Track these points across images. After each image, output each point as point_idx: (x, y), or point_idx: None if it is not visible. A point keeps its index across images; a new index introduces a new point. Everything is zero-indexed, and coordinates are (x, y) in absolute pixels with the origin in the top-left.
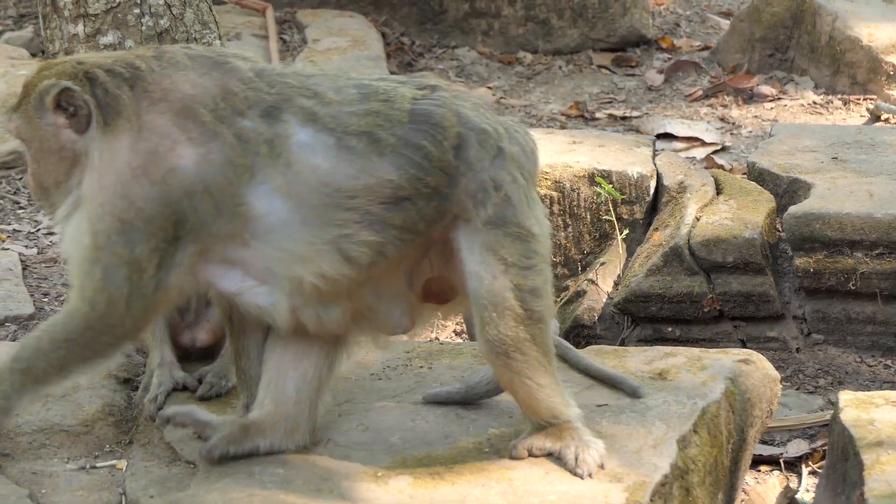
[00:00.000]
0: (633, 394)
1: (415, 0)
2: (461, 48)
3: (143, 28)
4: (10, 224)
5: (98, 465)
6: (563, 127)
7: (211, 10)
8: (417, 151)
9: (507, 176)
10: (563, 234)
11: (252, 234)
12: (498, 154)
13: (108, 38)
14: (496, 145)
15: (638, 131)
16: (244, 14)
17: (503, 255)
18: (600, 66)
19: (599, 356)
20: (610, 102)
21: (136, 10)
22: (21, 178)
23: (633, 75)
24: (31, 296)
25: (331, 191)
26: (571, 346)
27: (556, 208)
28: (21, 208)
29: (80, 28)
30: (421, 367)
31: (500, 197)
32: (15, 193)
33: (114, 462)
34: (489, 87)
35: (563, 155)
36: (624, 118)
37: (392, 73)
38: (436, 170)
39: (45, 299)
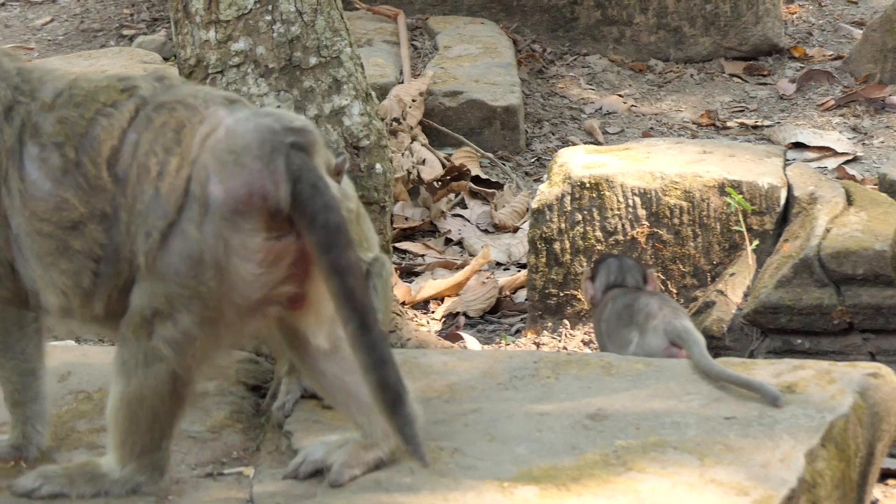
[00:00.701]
0: (774, 402)
1: (547, 7)
2: (592, 56)
3: (275, 35)
4: None
5: (225, 471)
6: (693, 136)
7: (342, 18)
8: (81, 168)
9: None
10: (692, 244)
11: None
12: None
13: (240, 45)
14: None
15: (769, 141)
16: (376, 20)
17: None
18: (732, 75)
19: (728, 367)
20: (741, 111)
21: (268, 17)
22: None
23: (764, 84)
24: None
25: (34, 210)
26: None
27: (685, 218)
28: None
29: (211, 34)
30: (548, 377)
31: None
32: None
33: (241, 469)
34: (620, 95)
35: (693, 165)
36: (755, 127)
37: (523, 80)
38: (94, 189)
39: None
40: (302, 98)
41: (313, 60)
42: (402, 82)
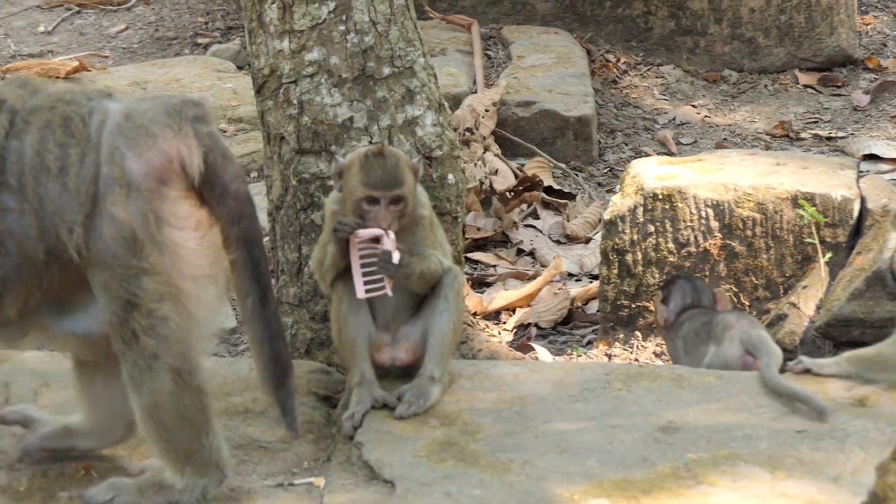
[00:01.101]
0: (820, 415)
1: (621, 17)
2: (666, 66)
3: (348, 45)
4: None
5: (296, 482)
6: (767, 147)
7: (416, 28)
8: None
9: None
10: (765, 256)
11: None
12: None
13: (313, 55)
14: None
15: (843, 152)
16: (450, 30)
17: None
18: (806, 86)
19: (800, 381)
20: (815, 122)
21: (342, 27)
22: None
23: (838, 95)
24: (234, 309)
25: None
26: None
27: (758, 230)
28: None
29: (285, 44)
30: (619, 389)
31: None
32: None
33: (311, 479)
34: (693, 106)
35: (766, 177)
36: (829, 138)
37: (596, 90)
38: None
39: None
40: (375, 108)
41: (387, 70)
42: (476, 92)
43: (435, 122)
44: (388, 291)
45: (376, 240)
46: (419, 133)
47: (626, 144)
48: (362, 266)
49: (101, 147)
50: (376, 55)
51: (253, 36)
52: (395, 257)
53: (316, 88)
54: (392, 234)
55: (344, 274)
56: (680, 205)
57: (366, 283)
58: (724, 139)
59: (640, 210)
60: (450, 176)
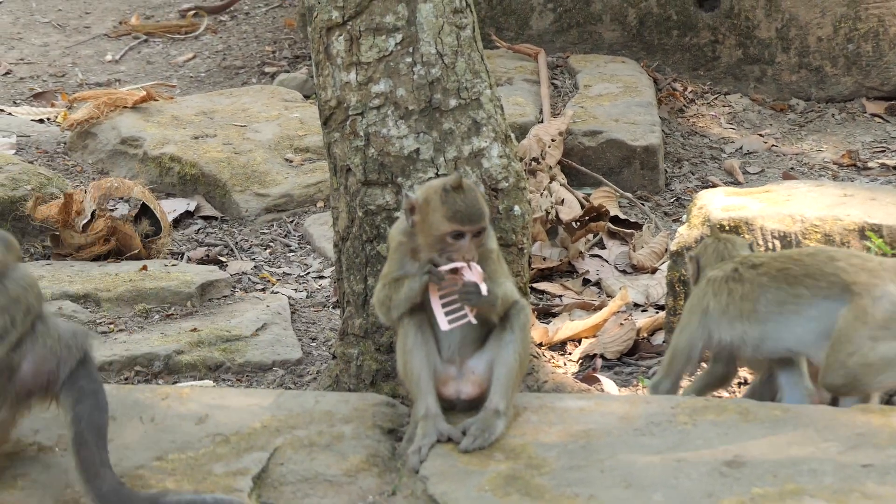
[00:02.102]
0: None
1: (688, 46)
2: (733, 94)
3: (415, 77)
4: (280, 267)
5: None
6: (834, 176)
7: (483, 59)
8: None
9: None
10: None
11: None
12: None
13: (380, 87)
14: None
15: None
16: (517, 59)
17: None
18: (873, 115)
19: (865, 414)
20: (883, 151)
21: (409, 59)
22: (292, 221)
23: None
24: (300, 340)
25: None
26: None
27: None
28: (292, 251)
29: (352, 76)
30: (685, 423)
31: None
32: (286, 237)
33: None
34: (760, 135)
35: (833, 208)
36: None
37: (663, 119)
38: None
39: (314, 344)
40: (441, 140)
41: (453, 102)
42: (542, 121)
43: (501, 154)
44: (472, 318)
45: (454, 270)
46: (485, 165)
47: (692, 174)
48: (441, 297)
49: None
50: (443, 87)
51: (320, 68)
52: (484, 289)
53: (382, 120)
54: (477, 266)
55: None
56: (747, 236)
57: (447, 313)
58: (791, 168)
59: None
60: (516, 207)
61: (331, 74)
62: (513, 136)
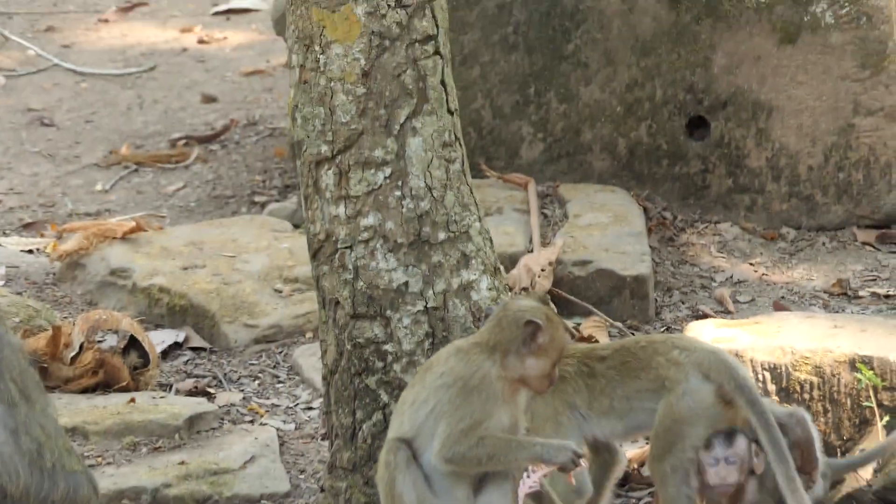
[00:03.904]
0: None
1: (678, 175)
2: (724, 223)
3: (404, 210)
4: (269, 398)
5: None
6: (825, 305)
7: (472, 192)
8: None
9: None
10: (822, 419)
11: None
12: None
13: (369, 220)
14: None
15: None
16: (507, 188)
17: None
18: (864, 243)
19: None
20: (874, 280)
21: (398, 193)
22: (281, 352)
23: None
24: (288, 472)
25: None
26: None
27: (815, 394)
28: (280, 382)
29: (341, 209)
30: None
31: None
32: (275, 367)
33: None
34: (751, 264)
35: (823, 340)
36: (888, 296)
37: (653, 248)
38: None
39: (301, 476)
40: (430, 273)
41: (442, 235)
42: (532, 251)
43: (490, 286)
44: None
45: None
46: (474, 297)
47: (682, 303)
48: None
49: None
50: (432, 220)
51: (309, 201)
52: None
53: (371, 253)
54: None
55: None
56: None
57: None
58: (782, 297)
59: None
60: None
61: (320, 208)
62: (502, 268)
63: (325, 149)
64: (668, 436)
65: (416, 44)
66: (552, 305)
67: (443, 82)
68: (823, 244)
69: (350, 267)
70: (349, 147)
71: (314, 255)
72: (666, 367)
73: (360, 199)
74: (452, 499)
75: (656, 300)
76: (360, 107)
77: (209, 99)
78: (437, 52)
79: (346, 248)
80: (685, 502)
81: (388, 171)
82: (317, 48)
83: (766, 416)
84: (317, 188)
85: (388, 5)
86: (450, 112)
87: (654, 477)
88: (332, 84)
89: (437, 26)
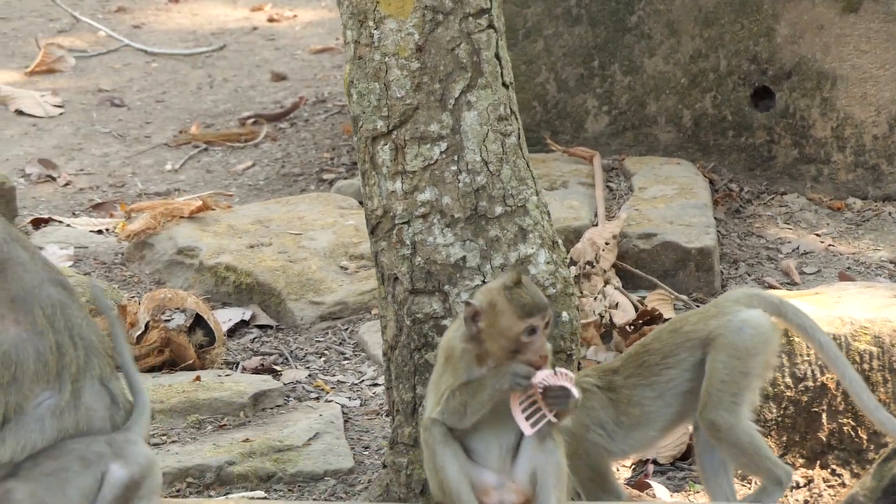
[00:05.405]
0: None
1: (743, 146)
2: (790, 194)
3: (460, 185)
4: (334, 375)
5: None
6: (890, 275)
7: (528, 166)
8: None
9: None
10: (882, 390)
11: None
12: None
13: (426, 195)
14: None
15: None
16: (572, 162)
17: None
18: None
19: None
20: None
21: (454, 168)
22: (347, 329)
23: None
24: (352, 449)
25: None
26: None
27: (875, 364)
28: (346, 359)
29: (398, 185)
30: None
31: None
32: (340, 344)
33: None
34: (817, 234)
35: (883, 310)
36: None
37: (719, 220)
38: None
39: (366, 452)
40: (487, 247)
41: (499, 210)
42: (597, 225)
43: (548, 261)
44: (552, 418)
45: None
46: (532, 271)
47: (749, 275)
48: (521, 402)
49: None
50: (488, 194)
51: (366, 177)
52: (575, 392)
53: (428, 228)
54: (563, 370)
55: None
56: (797, 339)
57: (527, 417)
58: (848, 268)
59: None
60: (564, 314)
61: (377, 184)
62: (560, 241)
63: (380, 124)
64: (732, 379)
65: (470, 17)
66: (528, 288)
67: (497, 55)
68: (890, 214)
69: (408, 242)
70: (405, 122)
71: (372, 231)
72: (703, 327)
73: (417, 174)
74: (489, 462)
75: (722, 272)
76: (415, 81)
77: (279, 77)
78: (490, 26)
79: (403, 223)
80: (760, 440)
81: (443, 145)
82: (371, 23)
83: (821, 336)
84: (373, 164)
85: None
86: (505, 85)
87: (715, 429)
88: (387, 59)
89: None
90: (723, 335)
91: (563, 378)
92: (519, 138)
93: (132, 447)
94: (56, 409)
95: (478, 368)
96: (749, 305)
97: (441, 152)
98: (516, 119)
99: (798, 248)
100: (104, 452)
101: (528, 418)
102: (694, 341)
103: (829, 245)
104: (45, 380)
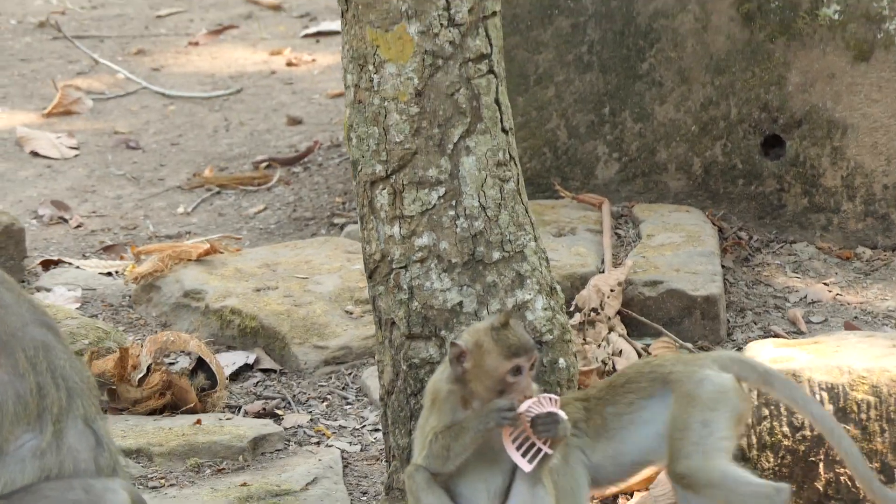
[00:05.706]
0: None
1: (753, 195)
2: (799, 243)
3: (458, 230)
4: (336, 420)
5: None
6: None
7: (527, 212)
8: None
9: None
10: (879, 440)
11: None
12: None
13: (423, 240)
14: None
15: None
16: (581, 208)
17: None
18: None
19: None
20: None
21: (451, 213)
22: (350, 374)
23: None
24: (350, 494)
25: None
26: None
27: (872, 413)
28: (349, 403)
29: (395, 229)
30: None
31: None
32: (343, 389)
33: None
34: (825, 284)
35: (881, 359)
36: None
37: (727, 268)
38: None
39: (364, 498)
40: (485, 293)
41: (496, 255)
42: (603, 271)
43: (545, 307)
44: (548, 450)
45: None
46: (529, 317)
47: (755, 323)
48: (514, 439)
49: None
50: (486, 240)
51: (365, 221)
52: (563, 414)
53: (426, 273)
54: (547, 395)
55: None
56: None
57: (522, 454)
58: (855, 318)
59: (754, 393)
60: (560, 360)
61: (375, 228)
62: (558, 287)
63: (379, 168)
64: (691, 428)
65: (470, 62)
66: (515, 329)
67: (497, 101)
68: None
69: (405, 287)
70: (403, 167)
71: (370, 276)
72: (668, 366)
73: (415, 218)
74: None
75: (728, 321)
76: (414, 126)
77: (294, 121)
78: (490, 71)
79: (400, 268)
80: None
81: (441, 190)
82: (371, 68)
83: (815, 408)
84: (372, 208)
85: (442, 24)
86: (504, 131)
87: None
88: (386, 103)
89: (490, 45)
90: (682, 382)
91: (548, 403)
92: (518, 184)
93: (111, 495)
94: (37, 451)
95: (462, 410)
96: (723, 368)
97: (439, 197)
98: (515, 165)
99: (806, 296)
100: (80, 501)
101: (523, 455)
102: (656, 375)
103: (837, 294)
104: (26, 421)
